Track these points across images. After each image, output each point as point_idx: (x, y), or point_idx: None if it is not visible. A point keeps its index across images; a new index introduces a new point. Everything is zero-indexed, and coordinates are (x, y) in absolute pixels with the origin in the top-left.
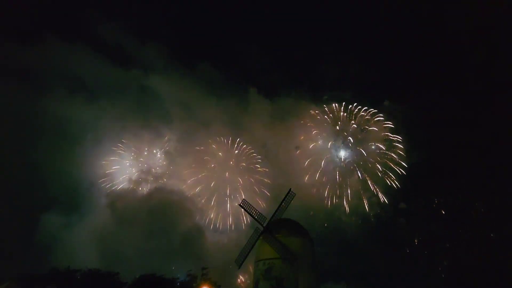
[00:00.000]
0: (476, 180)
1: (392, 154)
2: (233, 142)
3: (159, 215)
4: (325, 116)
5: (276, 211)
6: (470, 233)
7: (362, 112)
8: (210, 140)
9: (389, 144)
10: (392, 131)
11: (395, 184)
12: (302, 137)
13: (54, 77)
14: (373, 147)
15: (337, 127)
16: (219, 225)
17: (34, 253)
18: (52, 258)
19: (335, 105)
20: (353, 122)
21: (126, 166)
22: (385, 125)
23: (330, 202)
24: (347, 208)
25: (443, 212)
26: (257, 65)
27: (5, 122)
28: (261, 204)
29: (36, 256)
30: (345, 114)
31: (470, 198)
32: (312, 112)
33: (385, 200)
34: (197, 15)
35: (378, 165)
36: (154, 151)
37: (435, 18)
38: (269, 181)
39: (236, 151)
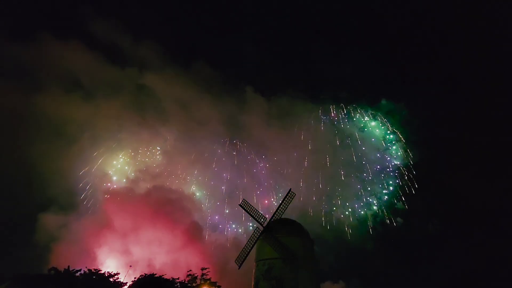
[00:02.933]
0: (476, 179)
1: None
2: (231, 141)
3: (157, 214)
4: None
5: (276, 211)
6: (469, 233)
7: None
8: (207, 139)
9: (387, 147)
10: (390, 131)
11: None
12: (294, 148)
13: (49, 76)
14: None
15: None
16: (218, 224)
17: (34, 253)
18: (51, 258)
19: (332, 106)
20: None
21: (124, 165)
22: (382, 125)
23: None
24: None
25: (442, 212)
26: (254, 64)
27: (0, 122)
28: (260, 204)
29: (36, 256)
30: (344, 113)
31: (469, 198)
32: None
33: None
34: (193, 13)
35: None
36: (151, 150)
37: (433, 15)
38: (268, 181)
39: (234, 152)
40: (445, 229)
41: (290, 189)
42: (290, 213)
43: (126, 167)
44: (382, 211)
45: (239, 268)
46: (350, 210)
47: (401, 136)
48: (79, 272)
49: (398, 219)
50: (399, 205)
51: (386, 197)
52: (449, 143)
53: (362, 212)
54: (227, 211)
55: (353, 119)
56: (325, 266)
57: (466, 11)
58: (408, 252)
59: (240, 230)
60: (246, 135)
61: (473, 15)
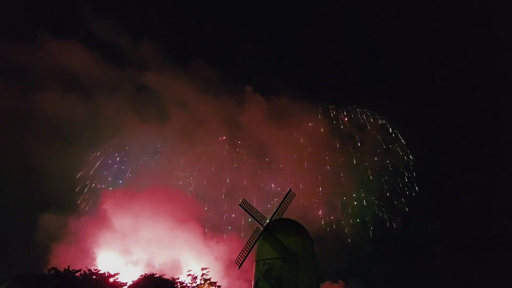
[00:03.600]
0: (475, 178)
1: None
2: (230, 140)
3: (156, 214)
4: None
5: (276, 211)
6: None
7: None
8: (206, 139)
9: (386, 148)
10: (388, 131)
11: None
12: (294, 148)
13: (48, 76)
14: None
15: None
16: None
17: (34, 253)
18: (51, 258)
19: (332, 106)
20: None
21: (123, 164)
22: (382, 126)
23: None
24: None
25: (442, 212)
26: (253, 64)
27: None
28: (260, 204)
29: (36, 256)
30: (343, 113)
31: (469, 197)
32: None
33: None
34: (192, 13)
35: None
36: (151, 149)
37: (432, 15)
38: (267, 181)
39: (234, 154)
40: (444, 229)
41: (290, 189)
42: (290, 213)
43: (123, 167)
44: (382, 212)
45: (238, 268)
46: (349, 210)
47: (400, 136)
48: (79, 272)
49: (398, 219)
50: (399, 205)
51: (385, 198)
52: (449, 143)
53: (361, 213)
54: (226, 215)
55: (352, 119)
56: (325, 266)
57: (466, 11)
58: (408, 252)
59: (242, 234)
60: (245, 135)
61: (472, 14)
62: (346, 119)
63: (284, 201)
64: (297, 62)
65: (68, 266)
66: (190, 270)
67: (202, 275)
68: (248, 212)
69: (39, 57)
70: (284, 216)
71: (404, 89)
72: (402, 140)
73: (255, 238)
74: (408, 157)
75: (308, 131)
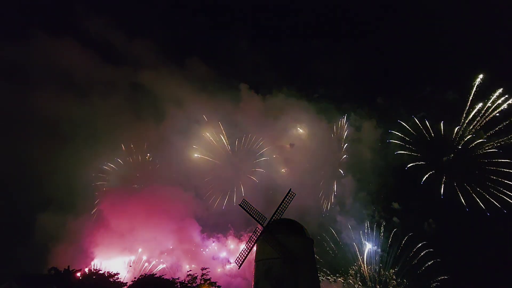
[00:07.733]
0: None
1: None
2: (228, 139)
3: (155, 214)
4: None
5: (276, 211)
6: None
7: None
8: (203, 137)
9: (383, 146)
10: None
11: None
12: (292, 147)
13: (44, 75)
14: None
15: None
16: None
17: (33, 253)
18: (50, 258)
19: (329, 105)
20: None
21: (120, 163)
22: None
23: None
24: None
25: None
26: (249, 62)
27: None
28: (260, 204)
29: (35, 256)
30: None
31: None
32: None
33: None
34: (187, 11)
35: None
36: (148, 148)
37: (430, 13)
38: (266, 180)
39: (230, 151)
40: (442, 229)
41: (290, 189)
42: (289, 213)
43: (118, 168)
44: (379, 211)
45: (239, 268)
46: (348, 209)
47: (398, 135)
48: (79, 272)
49: (394, 218)
50: (395, 204)
51: (382, 196)
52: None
53: (359, 212)
54: (225, 215)
55: (349, 118)
56: (324, 266)
57: (464, 9)
58: (406, 251)
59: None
60: (242, 134)
61: (470, 13)
62: (342, 117)
63: (284, 201)
64: (293, 60)
65: (68, 266)
66: (190, 270)
67: (202, 275)
68: (248, 212)
69: (33, 55)
70: (284, 216)
71: (401, 87)
72: (399, 139)
73: (255, 238)
74: (404, 156)
75: (305, 130)
